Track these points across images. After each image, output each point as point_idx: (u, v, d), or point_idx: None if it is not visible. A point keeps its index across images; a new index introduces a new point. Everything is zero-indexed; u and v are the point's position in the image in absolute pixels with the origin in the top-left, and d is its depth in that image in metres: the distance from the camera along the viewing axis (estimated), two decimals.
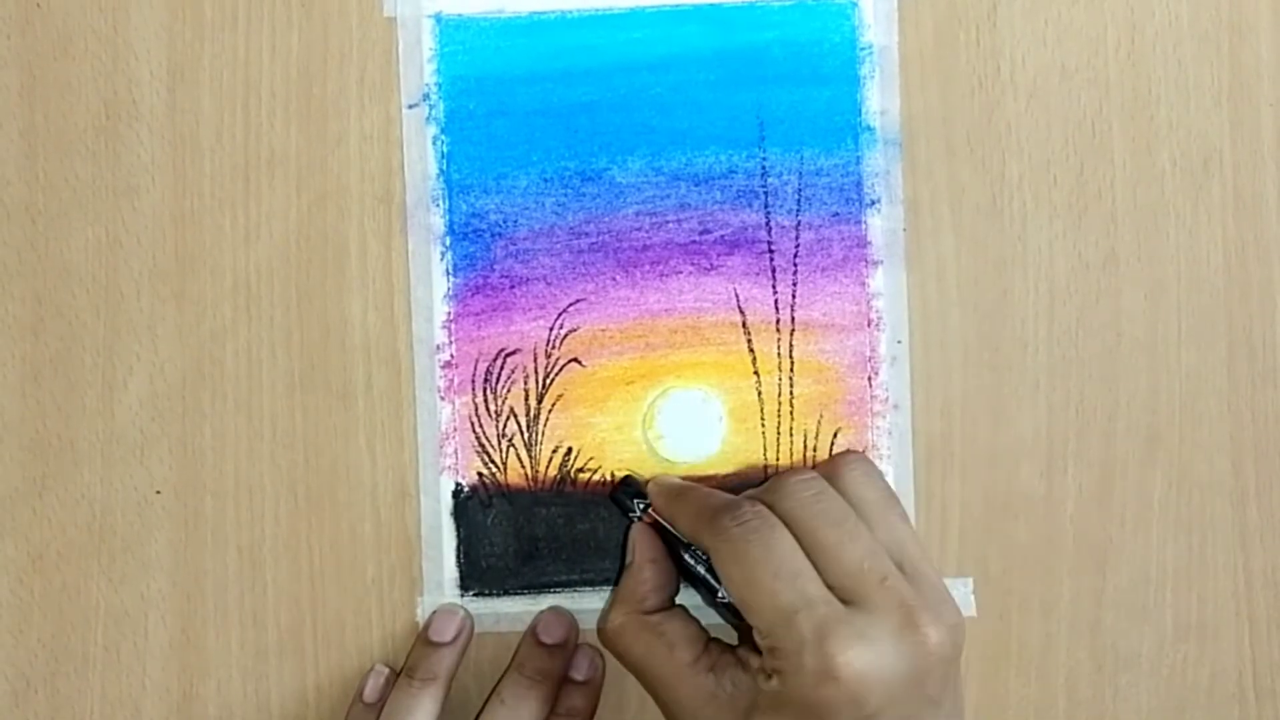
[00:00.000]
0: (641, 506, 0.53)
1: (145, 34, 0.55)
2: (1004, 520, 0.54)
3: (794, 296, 0.55)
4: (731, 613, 0.50)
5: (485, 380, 0.55)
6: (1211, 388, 0.54)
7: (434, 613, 0.54)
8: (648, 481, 0.53)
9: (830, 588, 0.46)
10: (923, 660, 0.45)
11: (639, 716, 0.55)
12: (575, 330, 0.55)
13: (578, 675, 0.53)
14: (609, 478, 0.55)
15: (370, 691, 0.53)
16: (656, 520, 0.52)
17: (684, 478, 0.54)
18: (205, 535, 0.55)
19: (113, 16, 0.55)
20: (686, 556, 0.51)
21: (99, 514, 0.55)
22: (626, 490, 0.53)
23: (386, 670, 0.54)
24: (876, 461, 0.54)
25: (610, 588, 0.55)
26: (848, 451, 0.53)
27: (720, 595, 0.50)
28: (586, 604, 0.55)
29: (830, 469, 0.50)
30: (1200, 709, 0.54)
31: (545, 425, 0.55)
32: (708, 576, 0.50)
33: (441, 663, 0.53)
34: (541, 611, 0.54)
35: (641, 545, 0.52)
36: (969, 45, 0.55)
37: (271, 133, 0.55)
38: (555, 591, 0.55)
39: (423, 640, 0.53)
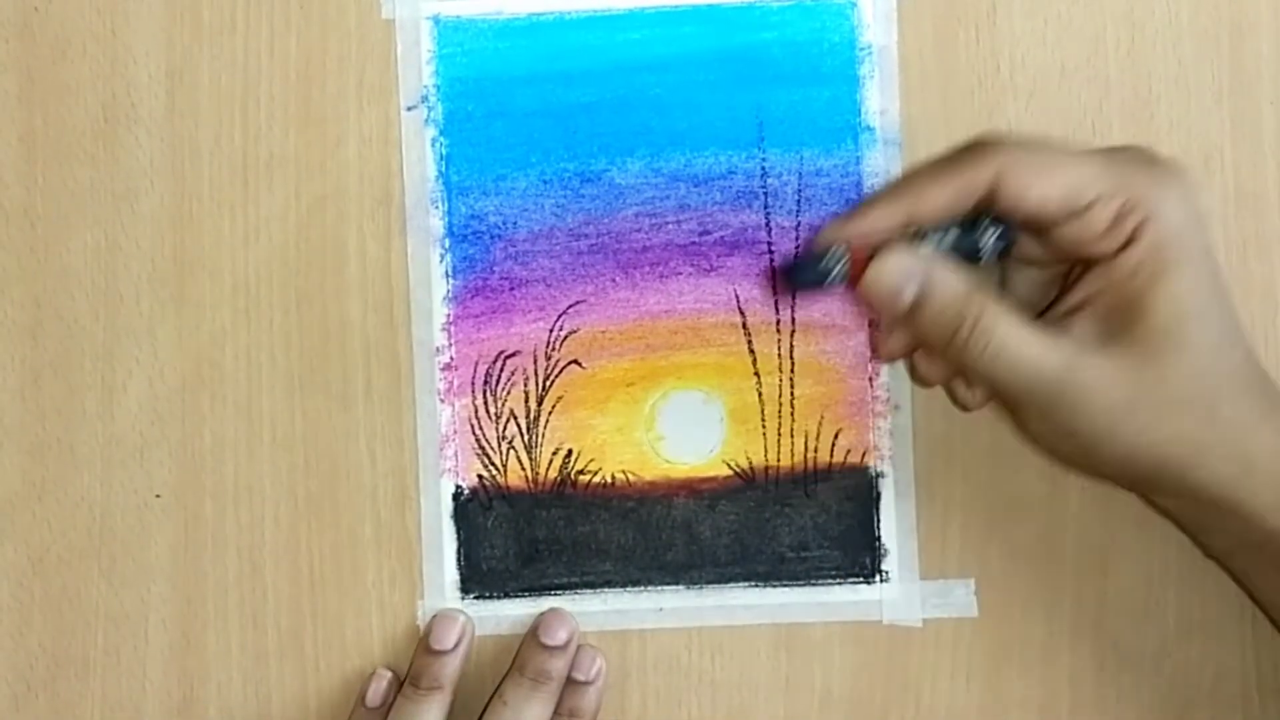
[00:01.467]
0: (839, 257, 0.46)
1: (144, 37, 0.55)
2: (1006, 520, 0.54)
3: (794, 297, 0.55)
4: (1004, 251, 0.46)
5: (485, 382, 0.55)
6: None
7: (433, 619, 0.54)
8: (820, 248, 0.47)
9: None
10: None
11: (641, 717, 0.55)
12: (575, 332, 0.55)
13: (581, 676, 0.53)
14: (609, 479, 0.54)
15: (373, 695, 0.53)
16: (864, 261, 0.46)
17: (683, 477, 0.54)
18: (205, 538, 0.55)
19: (111, 20, 0.55)
20: (943, 239, 0.46)
21: (99, 517, 0.55)
22: (803, 267, 0.48)
23: (389, 674, 0.54)
24: (878, 463, 0.54)
25: (612, 590, 0.55)
26: None
27: (984, 242, 0.46)
28: (587, 606, 0.55)
29: None
30: (1204, 709, 0.54)
31: (545, 427, 0.55)
32: (963, 233, 0.46)
33: (444, 671, 0.53)
34: (542, 613, 0.54)
35: (909, 262, 0.46)
36: (968, 45, 0.55)
37: (270, 135, 0.55)
38: (556, 594, 0.55)
39: (424, 648, 0.53)
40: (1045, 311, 0.48)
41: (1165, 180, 0.45)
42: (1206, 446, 0.45)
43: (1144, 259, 0.44)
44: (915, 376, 0.50)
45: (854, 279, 0.47)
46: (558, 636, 0.53)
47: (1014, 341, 0.45)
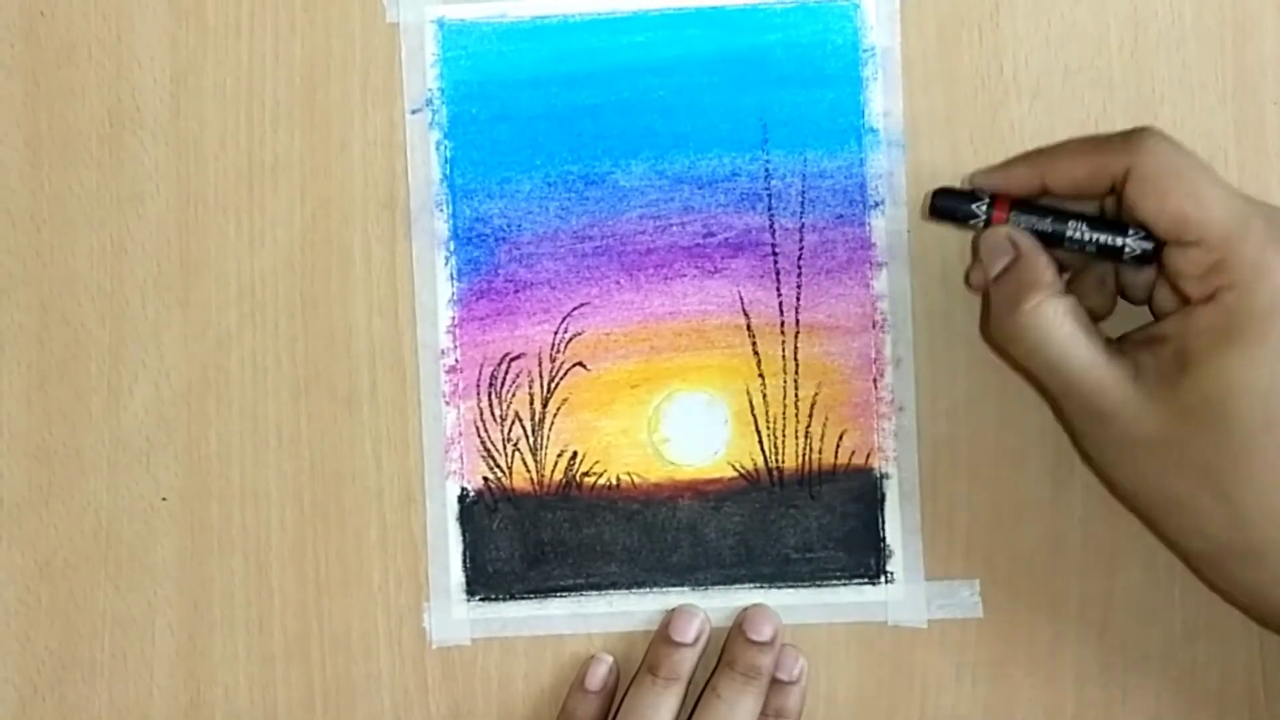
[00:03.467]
0: (986, 203, 0.49)
1: (149, 41, 0.55)
2: (1011, 521, 0.54)
3: (798, 299, 0.55)
4: (1135, 264, 0.48)
5: (490, 385, 0.55)
6: None
7: (674, 612, 0.54)
8: (967, 186, 0.50)
9: None
10: None
11: None
12: (580, 334, 0.55)
13: (785, 675, 0.53)
14: (614, 481, 0.55)
15: (593, 679, 0.54)
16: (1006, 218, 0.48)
17: (688, 479, 0.54)
18: (211, 542, 0.55)
19: (117, 24, 0.55)
20: (1070, 226, 0.47)
21: (105, 521, 0.55)
22: (953, 198, 0.49)
23: (610, 659, 0.54)
24: (883, 464, 0.54)
25: (617, 592, 0.55)
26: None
27: (1127, 246, 0.47)
28: (593, 608, 0.55)
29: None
30: (1210, 710, 0.54)
31: (550, 429, 0.55)
32: (1105, 233, 0.47)
33: (684, 663, 0.53)
34: (745, 609, 0.54)
35: (1022, 238, 0.48)
36: (972, 45, 0.55)
37: (275, 139, 0.55)
38: (562, 596, 0.55)
39: (664, 639, 0.53)
40: (1135, 332, 0.48)
41: (1276, 262, 0.43)
42: (1209, 516, 0.45)
43: (1214, 321, 0.44)
44: (968, 280, 0.52)
45: (990, 224, 0.49)
46: (764, 632, 0.53)
47: (1063, 336, 0.46)
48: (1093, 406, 0.46)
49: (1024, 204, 0.49)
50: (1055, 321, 0.46)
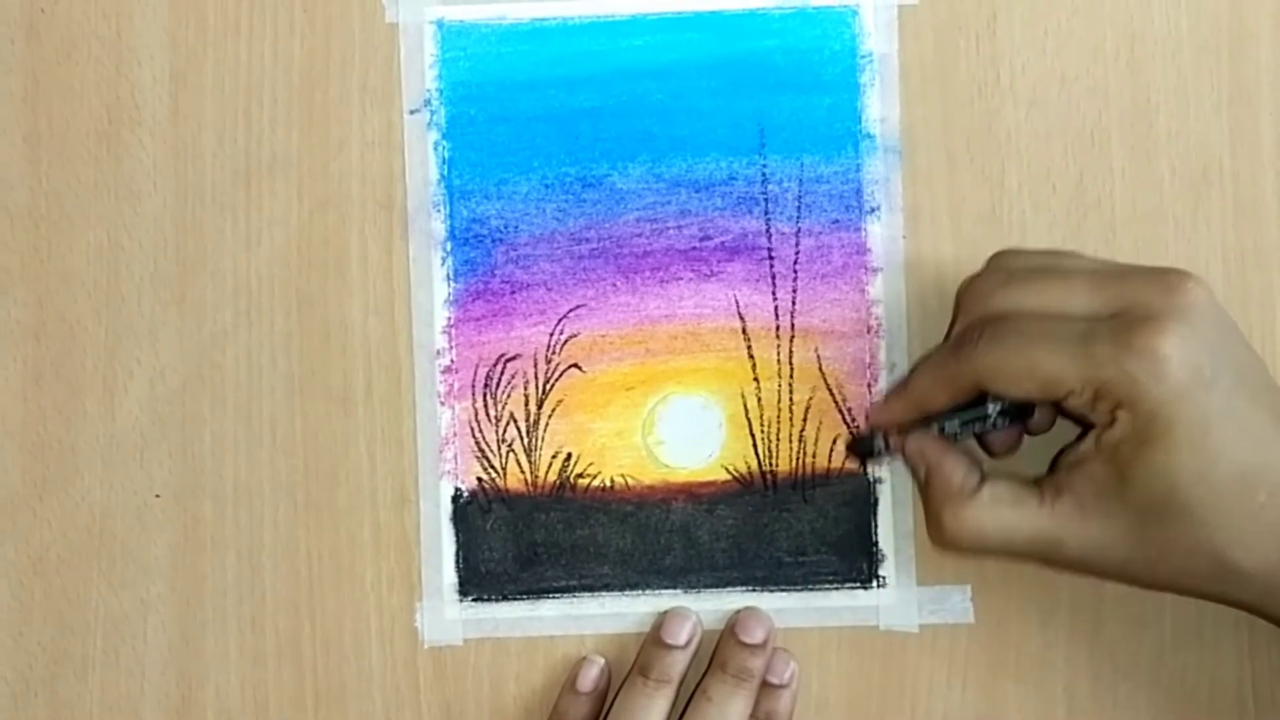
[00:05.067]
0: (882, 443, 0.52)
1: (148, 39, 0.55)
2: None
3: (794, 303, 0.55)
4: (1014, 419, 0.50)
5: (485, 385, 0.55)
6: None
7: (666, 614, 0.54)
8: (866, 432, 0.53)
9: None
10: (1209, 306, 0.46)
11: None
12: (575, 336, 0.55)
13: (776, 679, 0.53)
14: (608, 483, 0.55)
15: (585, 681, 0.54)
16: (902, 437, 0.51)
17: (682, 482, 0.54)
18: (204, 540, 0.55)
19: (116, 22, 0.55)
20: (944, 423, 0.50)
21: (99, 518, 0.55)
22: (861, 447, 0.54)
23: (601, 660, 0.54)
24: (875, 469, 0.54)
25: (610, 594, 0.55)
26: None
27: (992, 420, 0.49)
28: (585, 609, 0.55)
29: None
30: (1200, 718, 0.54)
31: (545, 430, 0.55)
32: (971, 416, 0.50)
33: (675, 665, 0.53)
34: (738, 611, 0.54)
35: (929, 448, 0.50)
36: (969, 53, 0.55)
37: (273, 138, 0.55)
38: (555, 597, 0.55)
39: (655, 641, 0.53)
40: (1061, 455, 0.49)
41: (1135, 367, 0.45)
42: (1217, 579, 0.47)
43: (1124, 437, 0.46)
44: None
45: (894, 449, 0.52)
46: (756, 635, 0.53)
47: (998, 528, 0.49)
48: (1062, 559, 0.48)
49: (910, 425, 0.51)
50: (981, 517, 0.49)
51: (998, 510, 0.48)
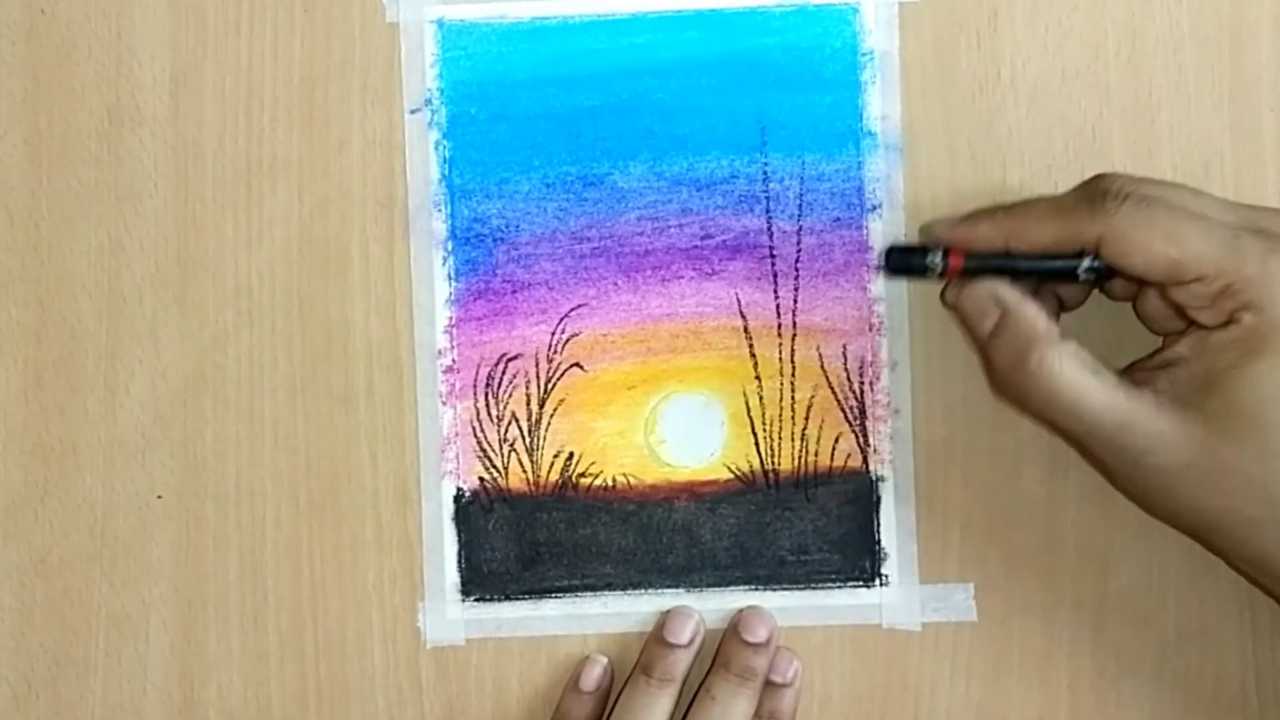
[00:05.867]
0: (940, 254, 0.47)
1: (148, 40, 0.55)
2: (1005, 525, 0.54)
3: (795, 301, 0.55)
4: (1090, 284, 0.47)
5: (487, 385, 0.55)
6: None
7: (668, 613, 0.54)
8: (922, 244, 0.49)
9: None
10: None
11: None
12: (577, 335, 0.55)
13: (779, 678, 0.53)
14: (610, 482, 0.55)
15: (588, 680, 0.53)
16: (962, 265, 0.47)
17: (684, 481, 0.54)
18: (206, 540, 0.55)
19: (116, 22, 0.55)
20: (1022, 262, 0.47)
21: (100, 518, 0.55)
22: (906, 260, 0.48)
23: (604, 660, 0.54)
24: (878, 467, 0.54)
25: (612, 593, 0.55)
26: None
27: (1082, 272, 0.46)
28: (588, 609, 0.55)
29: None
30: (1204, 715, 0.54)
31: (547, 430, 0.55)
32: (1074, 264, 0.46)
33: (679, 665, 0.53)
34: (741, 610, 0.54)
35: (1005, 291, 0.47)
36: (970, 50, 0.55)
37: (274, 138, 0.55)
38: (557, 597, 0.55)
39: (658, 640, 0.53)
40: (1145, 360, 0.48)
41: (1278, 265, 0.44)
42: (1260, 524, 0.45)
43: (1238, 339, 0.44)
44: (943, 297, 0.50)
45: (947, 274, 0.48)
46: (759, 634, 0.53)
47: (1073, 387, 0.46)
48: (1121, 446, 0.46)
49: (974, 255, 0.48)
50: (1063, 372, 0.46)
51: (1079, 370, 0.45)
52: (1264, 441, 0.44)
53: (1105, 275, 0.47)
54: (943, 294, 0.49)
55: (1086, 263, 0.46)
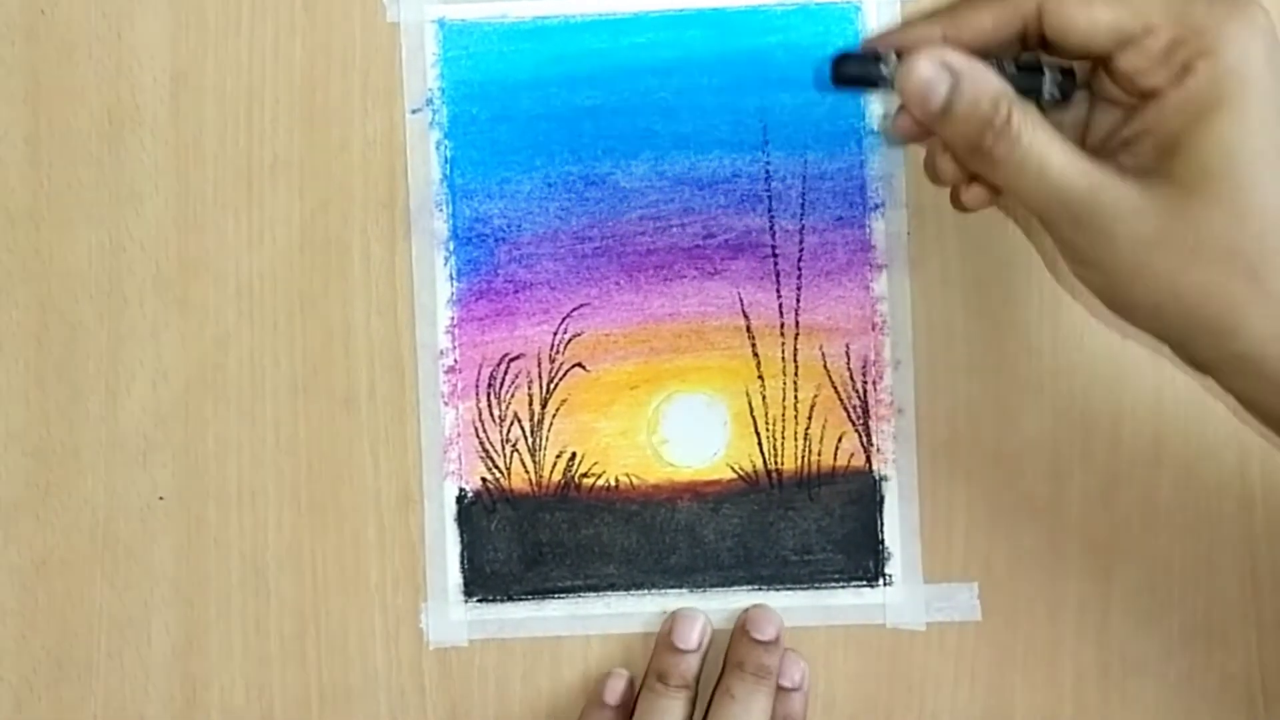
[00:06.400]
0: (894, 63, 0.43)
1: (149, 40, 0.55)
2: (1009, 524, 0.54)
3: (798, 300, 0.55)
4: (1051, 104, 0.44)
5: (489, 385, 0.55)
6: (1217, 389, 0.54)
7: (674, 617, 0.54)
8: (873, 50, 0.44)
9: None
10: None
11: None
12: (579, 335, 0.55)
13: (788, 682, 0.53)
14: (613, 482, 0.55)
15: (612, 694, 0.53)
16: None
17: (687, 481, 0.54)
18: (208, 542, 0.55)
19: (117, 23, 0.55)
20: (1008, 74, 0.43)
21: (102, 520, 0.55)
22: (857, 68, 0.44)
23: (627, 673, 0.54)
24: (882, 466, 0.54)
25: (615, 594, 0.54)
26: None
27: (1046, 88, 0.43)
28: (591, 609, 0.55)
29: None
30: (1209, 713, 0.54)
31: (549, 430, 0.55)
32: (1025, 73, 0.43)
33: (691, 669, 0.53)
34: (747, 609, 0.54)
35: (950, 57, 0.42)
36: None
37: (274, 138, 0.55)
38: (560, 597, 0.55)
39: (667, 646, 0.53)
40: (1105, 140, 0.44)
41: (1232, 10, 0.41)
42: (1244, 305, 0.41)
43: (1196, 93, 0.41)
44: (930, 169, 0.47)
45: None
46: (767, 632, 0.53)
47: (1043, 149, 0.42)
48: (1093, 213, 0.42)
49: None
50: (1034, 132, 0.42)
51: (1047, 133, 0.42)
52: (1238, 201, 0.41)
53: (1068, 91, 0.44)
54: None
55: (1050, 75, 0.44)
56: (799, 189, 0.55)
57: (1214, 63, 0.40)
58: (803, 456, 0.55)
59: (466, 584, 0.55)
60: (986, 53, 0.43)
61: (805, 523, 0.54)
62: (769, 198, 0.55)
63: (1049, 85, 0.44)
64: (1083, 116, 0.45)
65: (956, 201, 0.47)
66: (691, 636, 0.53)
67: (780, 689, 0.53)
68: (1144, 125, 0.42)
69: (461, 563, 0.55)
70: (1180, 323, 0.42)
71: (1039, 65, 0.44)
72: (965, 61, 0.42)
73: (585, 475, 0.55)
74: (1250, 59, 0.40)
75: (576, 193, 0.55)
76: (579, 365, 0.55)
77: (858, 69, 0.44)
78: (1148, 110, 0.42)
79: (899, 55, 0.43)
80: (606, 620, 0.55)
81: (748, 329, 0.55)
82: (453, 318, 0.55)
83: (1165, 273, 0.41)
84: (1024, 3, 0.43)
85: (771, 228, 0.55)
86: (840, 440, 0.54)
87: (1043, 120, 0.42)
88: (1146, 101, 0.42)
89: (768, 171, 0.55)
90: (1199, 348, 0.43)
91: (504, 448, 0.55)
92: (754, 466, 0.55)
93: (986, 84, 0.42)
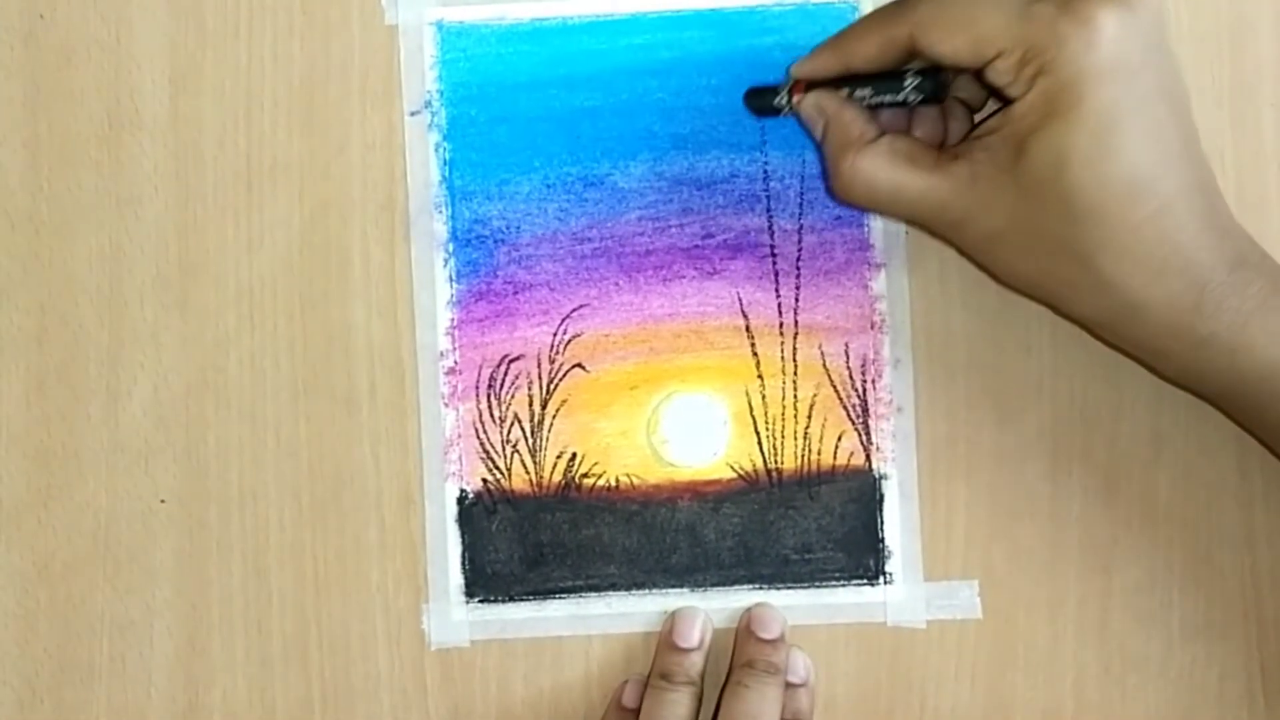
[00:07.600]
0: (786, 93, 0.52)
1: (148, 43, 0.55)
2: (1009, 522, 0.54)
3: (797, 300, 0.55)
4: (929, 96, 0.50)
5: (489, 386, 0.55)
6: None
7: (674, 616, 0.54)
8: (777, 83, 0.52)
9: None
10: (1156, 11, 0.46)
11: None
12: (579, 335, 0.55)
13: (795, 678, 0.53)
14: (613, 482, 0.55)
15: (630, 697, 0.54)
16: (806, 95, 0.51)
17: (687, 480, 0.54)
18: (210, 544, 0.55)
19: (116, 26, 0.55)
20: (866, 90, 0.50)
21: (104, 523, 0.55)
22: (761, 100, 0.53)
23: (644, 677, 0.54)
24: (880, 465, 0.54)
25: (616, 594, 0.55)
26: None
27: (907, 95, 0.50)
28: (592, 609, 0.55)
29: None
30: (1209, 711, 0.54)
31: (549, 431, 0.55)
32: (885, 86, 0.50)
33: (695, 666, 0.53)
34: (749, 608, 0.54)
35: (827, 101, 0.50)
36: None
37: (274, 141, 0.55)
38: (561, 598, 0.55)
39: (669, 645, 0.54)
40: (967, 134, 0.51)
41: (1069, 31, 0.45)
42: (1074, 286, 0.47)
43: (1034, 104, 0.46)
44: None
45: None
46: (772, 629, 0.53)
47: (888, 177, 0.49)
48: (946, 223, 0.49)
49: (818, 83, 0.51)
50: (876, 167, 0.49)
51: (893, 163, 0.49)
52: (1067, 204, 0.46)
53: (933, 92, 0.50)
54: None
55: (910, 80, 0.49)
56: (797, 189, 0.55)
57: (1051, 78, 0.45)
58: (802, 455, 0.55)
59: (468, 585, 0.55)
60: (880, 68, 0.50)
61: (805, 522, 0.55)
62: (767, 198, 0.55)
63: (908, 91, 0.50)
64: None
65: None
66: (692, 634, 0.53)
67: (787, 684, 0.53)
68: (996, 125, 0.47)
69: (463, 563, 0.55)
70: (1035, 295, 0.50)
71: (903, 73, 0.50)
72: (835, 106, 0.50)
73: (585, 475, 0.55)
74: (1084, 74, 0.45)
75: (575, 194, 0.55)
76: (579, 366, 0.55)
77: (759, 102, 0.53)
78: (1001, 112, 0.47)
79: (792, 86, 0.51)
80: (608, 620, 0.55)
81: (747, 329, 0.55)
82: (453, 319, 0.55)
83: (1012, 261, 0.49)
84: (899, 33, 0.48)
85: (770, 227, 0.55)
86: (840, 439, 0.55)
87: (892, 148, 0.49)
88: (1010, 106, 0.47)
89: (766, 171, 0.55)
90: (1057, 311, 0.51)
91: (504, 448, 0.55)
92: (754, 466, 0.55)
93: (844, 129, 0.50)
